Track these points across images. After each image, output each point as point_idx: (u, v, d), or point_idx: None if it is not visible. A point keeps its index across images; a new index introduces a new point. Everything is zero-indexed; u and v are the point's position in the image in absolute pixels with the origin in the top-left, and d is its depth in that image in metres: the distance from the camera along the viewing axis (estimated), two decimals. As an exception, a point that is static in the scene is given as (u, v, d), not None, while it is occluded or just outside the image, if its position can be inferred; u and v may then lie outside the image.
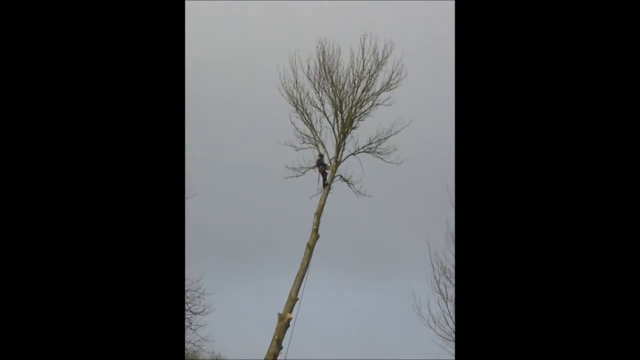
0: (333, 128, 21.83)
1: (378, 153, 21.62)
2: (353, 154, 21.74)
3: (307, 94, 21.84)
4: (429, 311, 20.90)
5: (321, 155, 21.56)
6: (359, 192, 21.63)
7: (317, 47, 21.78)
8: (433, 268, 21.47)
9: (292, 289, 19.72)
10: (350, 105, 21.78)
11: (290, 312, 19.34)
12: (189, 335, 22.72)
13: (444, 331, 20.36)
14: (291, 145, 21.68)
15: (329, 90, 21.81)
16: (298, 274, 19.95)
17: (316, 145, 21.80)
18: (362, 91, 21.76)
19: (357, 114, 21.84)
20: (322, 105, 21.87)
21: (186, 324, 22.63)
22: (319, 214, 20.95)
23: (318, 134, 21.81)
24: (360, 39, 21.54)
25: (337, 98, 21.76)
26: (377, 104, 21.85)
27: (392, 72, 21.58)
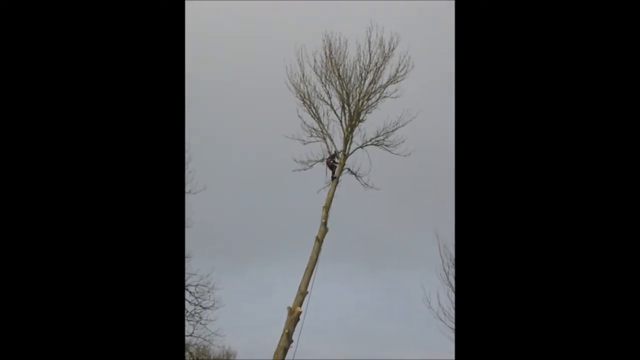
0: (340, 121, 21.79)
1: (386, 145, 21.58)
2: (361, 146, 21.69)
3: (314, 88, 21.82)
4: (439, 303, 21.02)
5: (334, 154, 21.48)
6: (367, 184, 21.62)
7: (324, 41, 21.76)
8: (442, 260, 21.58)
9: (301, 282, 19.67)
10: (357, 98, 21.71)
11: (300, 305, 19.30)
12: (199, 330, 22.85)
13: (454, 323, 20.38)
14: (299, 139, 21.67)
15: (335, 83, 21.75)
16: (307, 268, 19.90)
17: (324, 139, 21.77)
18: (369, 84, 21.70)
19: (365, 107, 21.78)
20: (329, 98, 21.84)
21: (196, 318, 22.75)
22: (327, 207, 20.88)
23: (325, 127, 21.79)
24: (366, 31, 21.52)
25: (344, 91, 21.69)
26: (385, 97, 21.81)
27: (399, 64, 21.56)
